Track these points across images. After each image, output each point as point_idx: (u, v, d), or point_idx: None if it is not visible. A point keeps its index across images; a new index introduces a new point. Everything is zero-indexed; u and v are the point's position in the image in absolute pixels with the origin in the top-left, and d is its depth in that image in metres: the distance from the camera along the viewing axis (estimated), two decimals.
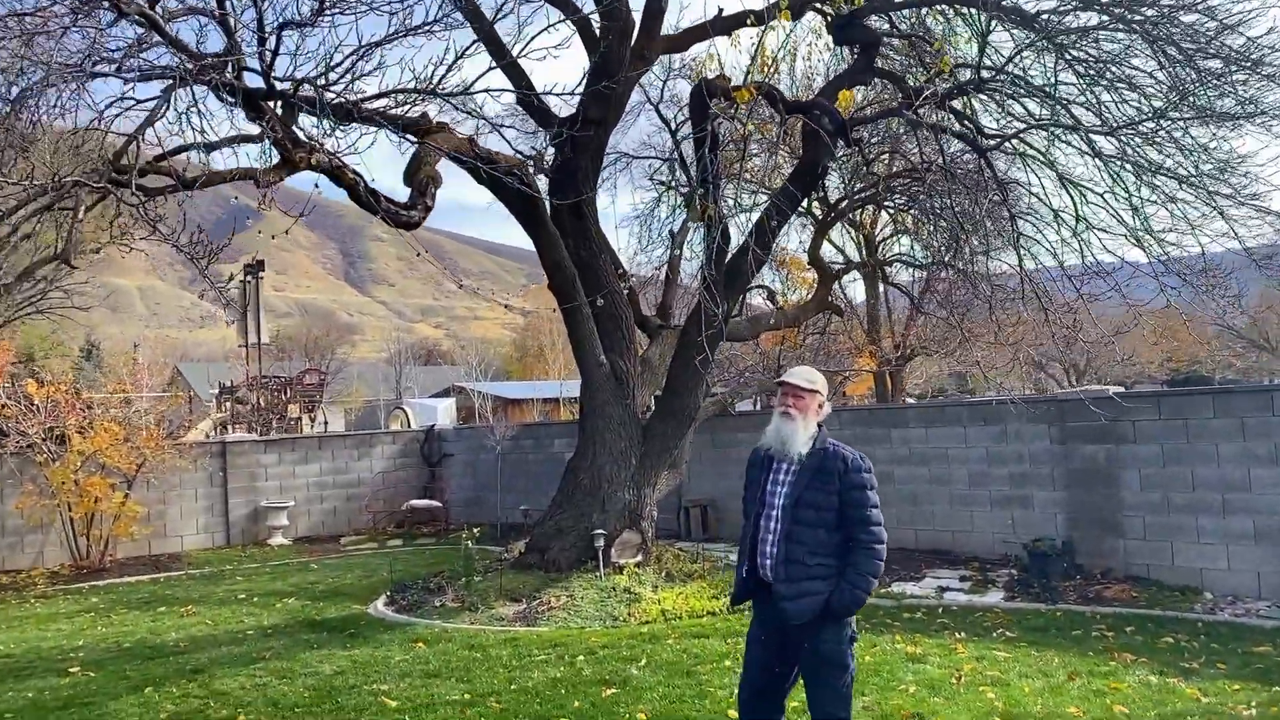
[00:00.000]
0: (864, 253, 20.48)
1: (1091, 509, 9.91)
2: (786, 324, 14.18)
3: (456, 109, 7.54)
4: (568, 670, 7.15)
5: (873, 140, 13.09)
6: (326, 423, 25.04)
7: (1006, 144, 9.45)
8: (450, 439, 17.87)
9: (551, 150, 10.61)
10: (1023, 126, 8.53)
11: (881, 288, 21.17)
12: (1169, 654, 7.09)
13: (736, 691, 4.67)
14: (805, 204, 11.17)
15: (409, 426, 21.73)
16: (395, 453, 17.65)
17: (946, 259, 16.32)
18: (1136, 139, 8.44)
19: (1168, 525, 9.38)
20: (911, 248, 18.90)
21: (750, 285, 11.88)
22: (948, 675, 6.66)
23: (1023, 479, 10.57)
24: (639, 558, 10.55)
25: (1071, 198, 9.49)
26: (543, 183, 10.56)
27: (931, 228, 15.67)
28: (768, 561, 4.36)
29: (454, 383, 45.93)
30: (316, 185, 6.11)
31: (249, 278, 21.04)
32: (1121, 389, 10.05)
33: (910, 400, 21.35)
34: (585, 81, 10.34)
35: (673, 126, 15.96)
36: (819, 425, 4.40)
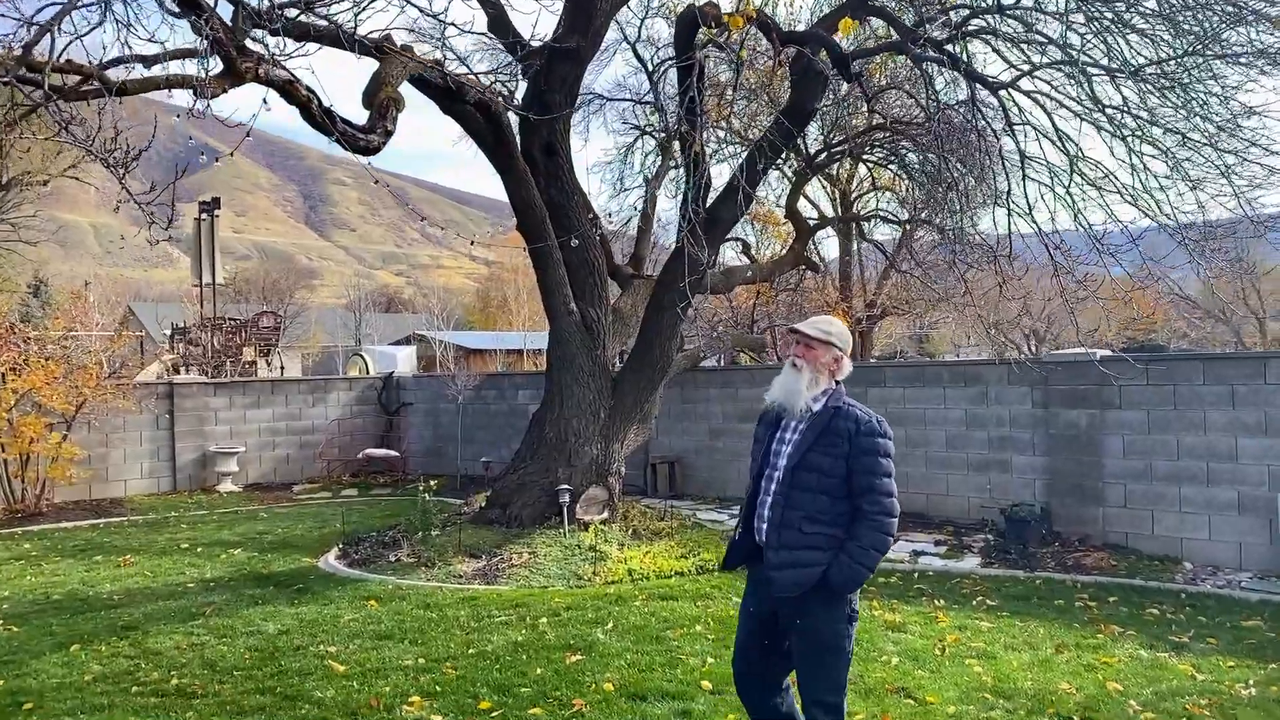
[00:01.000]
0: (838, 208, 20.05)
1: (1072, 475, 9.64)
2: (762, 278, 13.73)
3: (422, 38, 6.96)
4: (530, 634, 6.72)
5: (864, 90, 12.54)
6: (283, 367, 24.24)
7: (1008, 91, 8.96)
8: (410, 387, 17.29)
9: (524, 84, 9.97)
10: (1044, 62, 7.92)
11: (855, 245, 20.81)
12: (1156, 626, 6.83)
13: (732, 663, 4.23)
14: (783, 155, 10.61)
15: (368, 374, 21.09)
16: (352, 400, 17.05)
17: (924, 216, 16.02)
18: (1150, 89, 7.97)
19: (1149, 494, 9.14)
20: (890, 203, 18.56)
21: (729, 235, 11.37)
22: (930, 646, 6.33)
23: (1002, 443, 10.27)
24: (605, 515, 10.14)
25: (1066, 152, 9.08)
26: (515, 131, 9.92)
27: (911, 183, 15.32)
28: (764, 525, 3.93)
29: (415, 331, 45.15)
30: (265, 101, 5.48)
31: (204, 215, 20.13)
32: (1109, 353, 9.71)
33: (874, 360, 21.14)
34: (565, 8, 9.75)
35: (649, 67, 15.37)
36: (837, 383, 3.94)
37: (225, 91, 5.43)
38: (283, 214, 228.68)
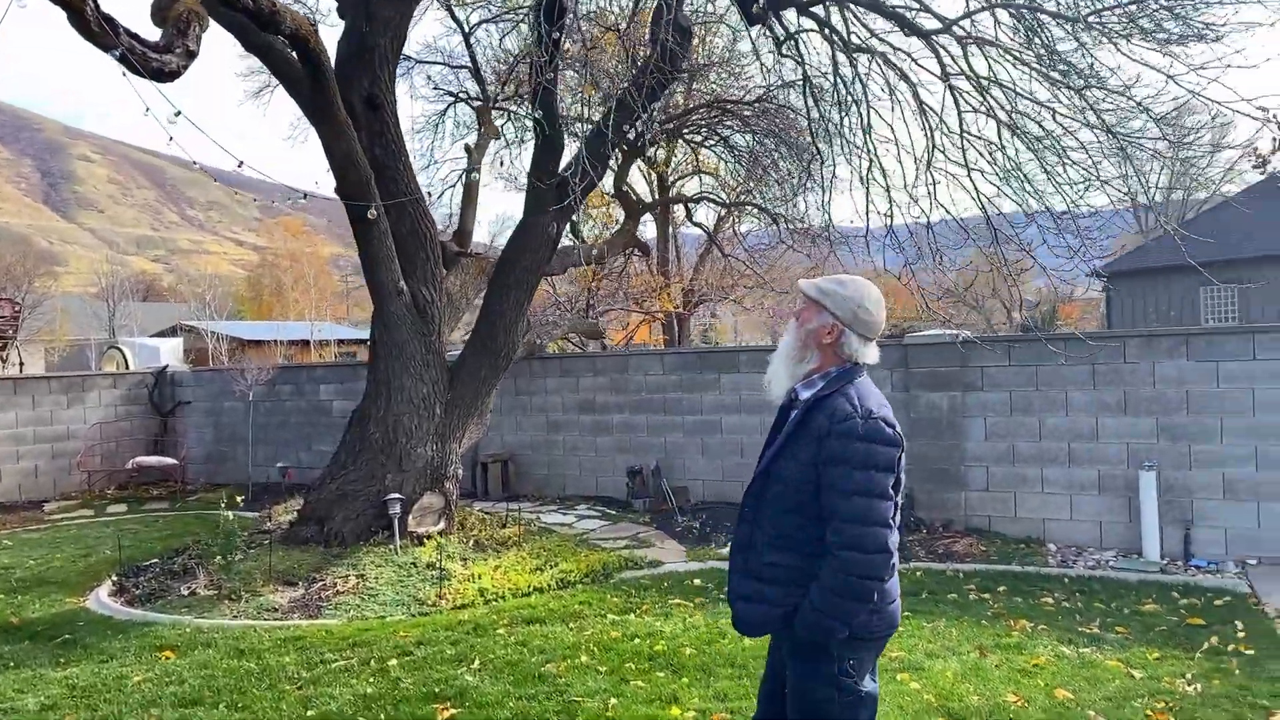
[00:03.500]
0: (654, 191, 19.44)
1: (934, 460, 9.34)
2: (596, 260, 12.79)
3: None
4: (381, 682, 5.47)
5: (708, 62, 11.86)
6: (22, 364, 20.94)
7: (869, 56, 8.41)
8: (188, 384, 15.09)
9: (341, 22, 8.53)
10: (979, 7, 7.27)
11: (670, 230, 20.33)
12: (1060, 618, 6.48)
13: None
14: (642, 117, 9.70)
15: (127, 369, 18.40)
16: (116, 399, 14.67)
17: (746, 198, 15.65)
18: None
19: (1012, 476, 8.97)
20: (710, 187, 18.11)
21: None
22: None
23: None
24: (442, 525, 8.89)
25: (928, 127, 8.69)
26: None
27: (735, 165, 14.87)
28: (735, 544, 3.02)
29: (181, 321, 41.03)
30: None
31: None
32: (969, 333, 9.49)
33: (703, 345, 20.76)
34: None
35: (465, 28, 14.06)
36: (854, 363, 2.89)
37: None
38: (17, 192, 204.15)
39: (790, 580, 2.80)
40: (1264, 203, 20.57)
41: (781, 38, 7.98)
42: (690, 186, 18.86)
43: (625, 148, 14.09)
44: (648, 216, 18.73)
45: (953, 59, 7.44)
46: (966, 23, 7.26)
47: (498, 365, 9.27)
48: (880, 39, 7.61)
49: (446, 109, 15.96)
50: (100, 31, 4.52)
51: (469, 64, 14.38)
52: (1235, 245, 20.36)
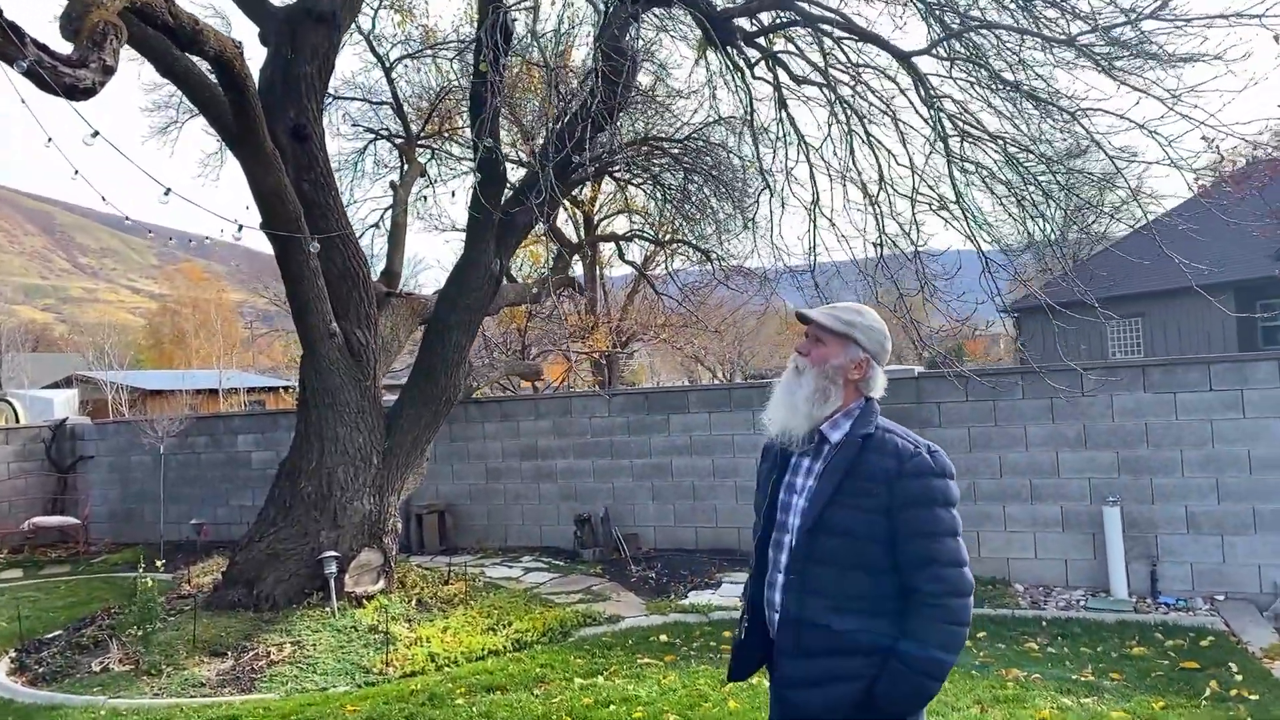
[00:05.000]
0: (580, 231, 19.11)
1: None
2: (531, 299, 12.33)
3: None
4: None
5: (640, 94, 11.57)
6: None
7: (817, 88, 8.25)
8: (90, 437, 14.02)
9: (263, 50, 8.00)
10: (956, 27, 7.06)
11: (599, 270, 19.97)
12: (1050, 665, 6.22)
13: None
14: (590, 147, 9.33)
15: (17, 422, 17.09)
16: (9, 456, 13.52)
17: (680, 237, 15.43)
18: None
19: (975, 514, 8.75)
20: (638, 225, 17.84)
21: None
22: None
23: None
24: (381, 584, 8.26)
25: (875, 156, 8.56)
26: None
27: (666, 204, 14.64)
28: (776, 616, 2.60)
29: (75, 372, 38.86)
30: None
31: None
32: (921, 369, 9.32)
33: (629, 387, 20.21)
34: None
35: (386, 63, 13.61)
36: (866, 399, 2.62)
37: None
38: None
39: (874, 648, 2.44)
40: (1163, 237, 21.29)
41: (748, 62, 7.75)
42: (617, 225, 18.59)
43: (562, 184, 13.77)
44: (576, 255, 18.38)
45: (917, 88, 7.27)
46: (934, 52, 7.10)
47: (438, 411, 8.72)
48: (827, 69, 7.41)
49: (366, 146, 15.43)
50: (3, 40, 3.96)
51: (390, 100, 13.92)
52: (1140, 279, 21.02)
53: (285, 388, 36.42)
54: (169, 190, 5.18)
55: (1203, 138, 6.65)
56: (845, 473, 2.49)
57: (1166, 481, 8.07)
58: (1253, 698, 5.38)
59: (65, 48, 4.61)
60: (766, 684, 2.79)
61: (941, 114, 6.84)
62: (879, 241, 7.50)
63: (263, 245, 7.92)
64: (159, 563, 9.05)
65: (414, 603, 8.24)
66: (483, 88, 6.84)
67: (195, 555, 11.17)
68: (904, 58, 6.63)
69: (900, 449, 2.49)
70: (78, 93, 4.31)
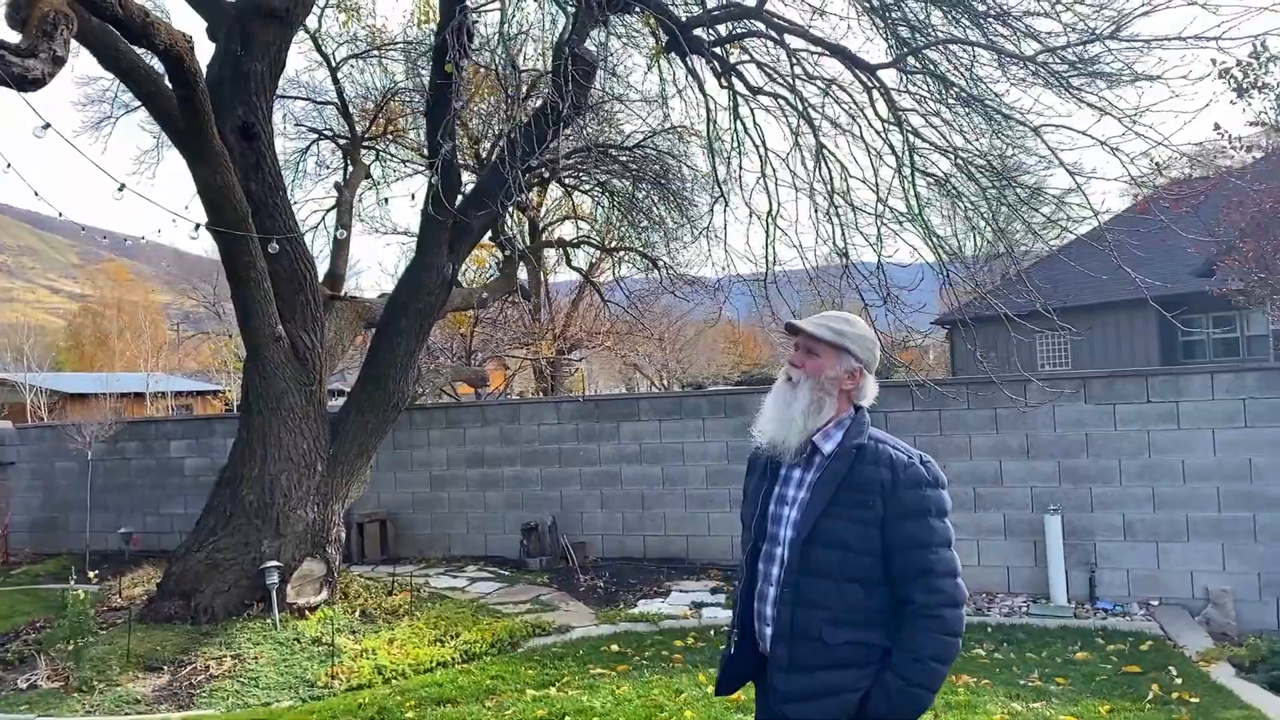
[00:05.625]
0: (525, 238, 19.02)
1: None
2: (478, 304, 12.20)
3: None
4: None
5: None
6: None
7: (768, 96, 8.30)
8: (10, 442, 13.45)
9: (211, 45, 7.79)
10: (927, 41, 7.09)
11: (542, 275, 19.89)
12: (999, 671, 6.33)
13: None
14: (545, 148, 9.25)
15: None
16: None
17: (628, 244, 15.44)
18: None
19: None
20: (583, 232, 17.81)
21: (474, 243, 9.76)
22: None
23: None
24: (324, 594, 8.06)
25: (828, 169, 8.65)
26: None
27: (614, 210, 14.65)
28: (768, 630, 2.56)
29: None
30: None
31: None
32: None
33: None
34: None
35: (332, 62, 13.38)
36: (856, 408, 2.61)
37: None
38: None
39: (869, 660, 2.45)
40: (1094, 253, 21.96)
41: (718, 72, 7.78)
42: (562, 231, 18.53)
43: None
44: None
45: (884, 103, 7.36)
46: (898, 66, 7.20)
47: (386, 417, 8.56)
48: (794, 80, 7.46)
49: (309, 146, 15.14)
50: None
51: (336, 100, 13.68)
52: (1070, 294, 21.63)
53: (214, 392, 35.53)
54: (123, 186, 4.99)
55: (1144, 153, 6.88)
56: (839, 484, 2.49)
57: (1105, 490, 8.29)
58: (1194, 700, 5.53)
59: (13, 37, 4.43)
60: (720, 696, 2.77)
61: (904, 128, 6.94)
62: (844, 252, 7.56)
63: (190, 246, 7.76)
64: (92, 574, 8.72)
65: (358, 614, 8.06)
66: (445, 90, 6.74)
67: (124, 565, 10.77)
68: (869, 69, 6.72)
69: (895, 460, 2.50)
70: (27, 83, 4.15)
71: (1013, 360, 8.58)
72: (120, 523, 12.11)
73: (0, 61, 4.07)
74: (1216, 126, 9.50)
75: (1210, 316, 21.23)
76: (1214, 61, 7.55)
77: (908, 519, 2.44)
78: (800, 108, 7.22)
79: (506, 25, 6.36)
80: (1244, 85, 8.49)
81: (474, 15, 7.27)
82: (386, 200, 14.13)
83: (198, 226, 5.93)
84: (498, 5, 7.49)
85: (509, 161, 6.61)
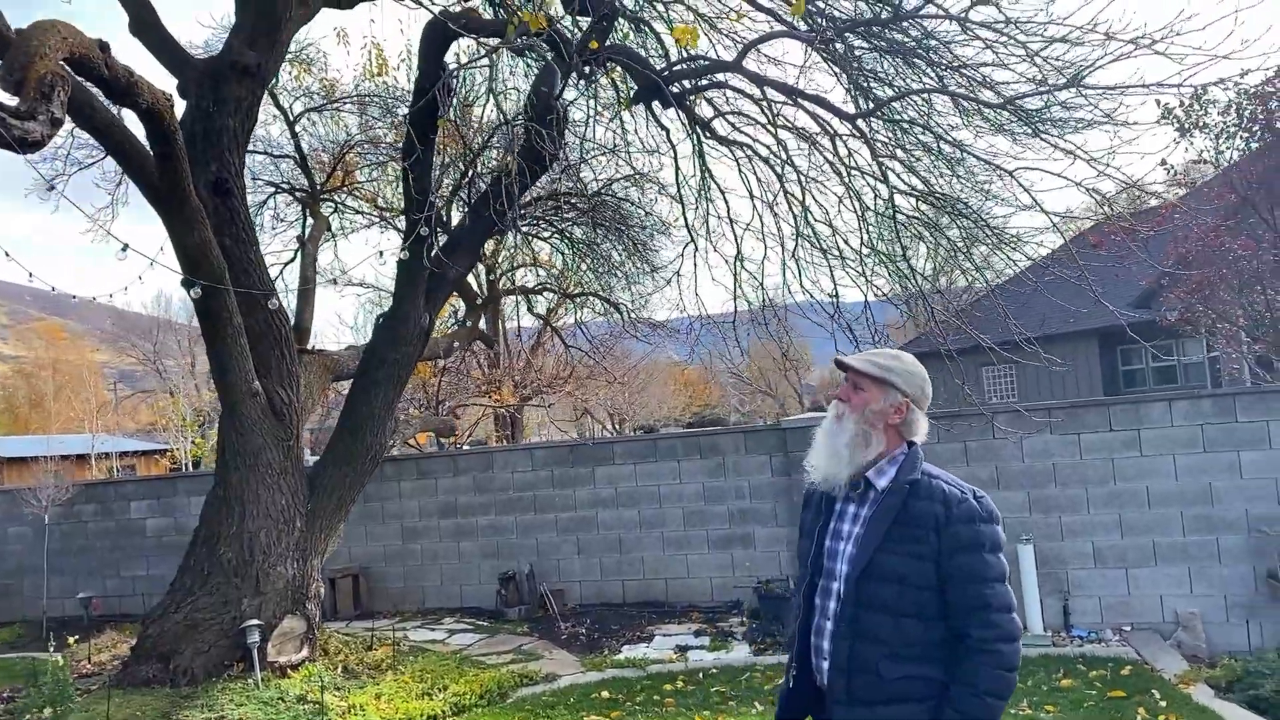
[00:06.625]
0: (482, 285, 19.05)
1: None
2: (444, 353, 12.19)
3: None
4: None
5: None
6: None
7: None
8: None
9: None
10: (899, 92, 7.34)
11: (500, 322, 19.91)
12: None
13: None
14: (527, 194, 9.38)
15: None
16: None
17: (592, 290, 15.56)
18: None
19: None
20: (539, 279, 17.89)
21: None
22: None
23: (744, 516, 9.71)
24: (305, 652, 7.92)
25: (793, 213, 8.89)
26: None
27: (574, 258, 14.78)
28: (825, 664, 2.63)
29: None
30: None
31: None
32: None
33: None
34: (239, 14, 7.87)
35: (290, 116, 13.40)
36: (909, 444, 2.69)
37: None
38: None
39: (928, 695, 2.49)
40: (1037, 287, 22.62)
41: (695, 122, 8.01)
42: (519, 276, 18.59)
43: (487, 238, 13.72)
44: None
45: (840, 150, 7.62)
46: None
47: (363, 469, 8.50)
48: (776, 128, 7.72)
49: (266, 200, 15.04)
50: None
51: (294, 154, 13.68)
52: (1013, 326, 22.22)
53: (160, 451, 34.67)
54: (126, 246, 4.97)
55: (1091, 190, 7.22)
56: (894, 519, 2.55)
57: (1074, 518, 8.52)
58: None
59: (6, 97, 4.43)
60: None
61: (877, 174, 7.19)
62: (834, 293, 7.80)
63: (128, 302, 7.67)
64: (64, 640, 8.46)
65: (340, 670, 7.93)
66: (421, 143, 6.83)
67: (85, 631, 10.44)
68: (848, 118, 6.97)
69: (948, 495, 2.56)
70: (27, 145, 4.15)
71: (964, 392, 8.84)
72: (79, 587, 11.76)
73: (1, 125, 4.07)
74: (1164, 162, 9.98)
75: (1149, 346, 22.03)
76: (1158, 102, 7.96)
77: (961, 553, 2.49)
78: (785, 156, 7.43)
79: (495, 82, 6.47)
80: (1186, 125, 8.96)
81: (454, 75, 7.38)
82: (339, 256, 14.05)
83: (190, 285, 5.89)
84: (485, 62, 7.59)
85: (498, 212, 6.70)
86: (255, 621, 7.53)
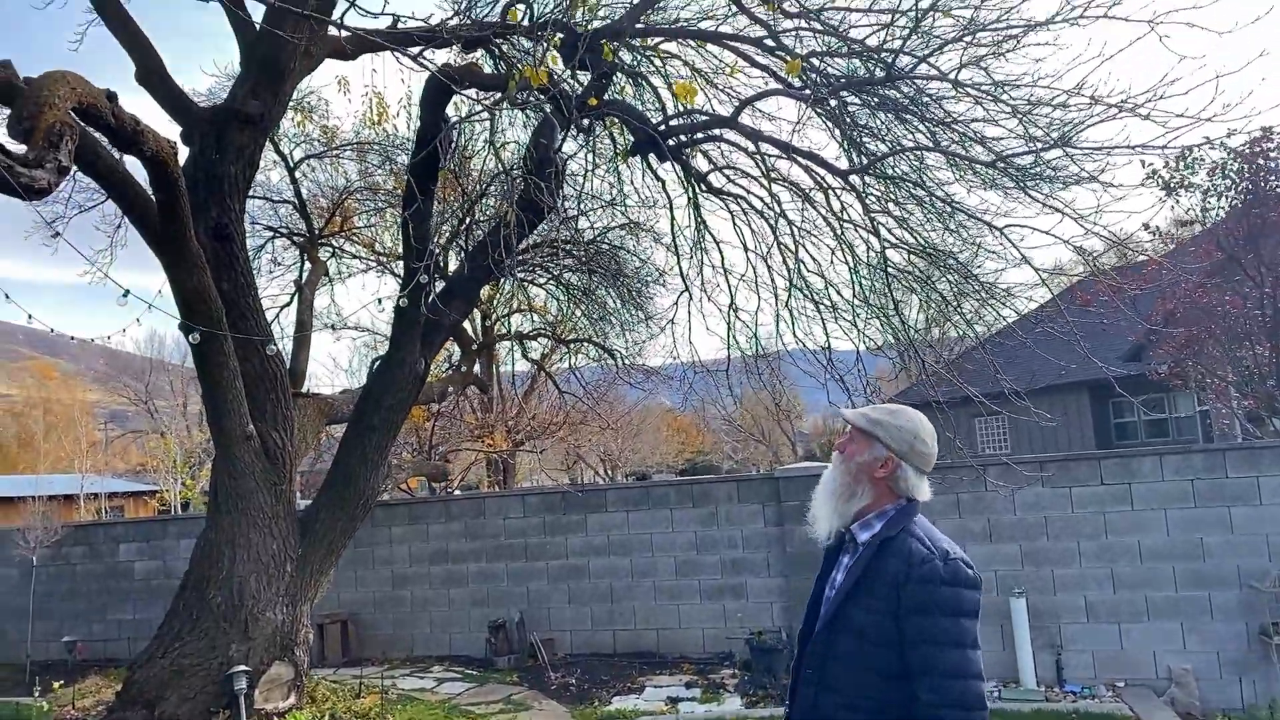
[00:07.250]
0: (477, 330, 19.12)
1: (809, 594, 9.25)
2: (438, 397, 12.21)
3: None
4: None
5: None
6: None
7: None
8: None
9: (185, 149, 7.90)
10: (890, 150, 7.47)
11: (494, 367, 19.94)
12: None
13: None
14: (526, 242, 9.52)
15: None
16: None
17: (587, 337, 15.63)
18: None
19: None
20: (533, 324, 17.97)
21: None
22: None
23: (736, 566, 9.68)
24: (292, 699, 7.85)
25: (786, 265, 9.00)
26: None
27: (570, 303, 14.87)
28: (794, 708, 2.70)
29: None
30: None
31: None
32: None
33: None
34: (243, 64, 8.01)
35: (290, 161, 13.55)
36: (907, 500, 2.68)
37: None
38: None
39: None
40: (1028, 340, 22.79)
41: (695, 175, 8.15)
42: (515, 322, 18.68)
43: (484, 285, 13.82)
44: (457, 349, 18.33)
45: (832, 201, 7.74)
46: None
47: (355, 515, 8.47)
48: (770, 181, 7.85)
49: (264, 244, 15.14)
50: None
51: (294, 199, 13.81)
52: (1003, 380, 22.33)
53: (150, 492, 34.41)
54: (127, 293, 5.03)
55: (1078, 248, 7.33)
56: (862, 573, 2.57)
57: (1066, 572, 8.52)
58: None
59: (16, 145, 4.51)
60: None
61: (869, 228, 7.30)
62: (826, 344, 7.88)
63: (121, 343, 7.71)
64: (48, 685, 8.38)
65: (327, 718, 7.85)
66: (421, 193, 6.94)
67: (69, 675, 10.32)
68: (841, 174, 7.09)
69: (912, 553, 2.51)
70: (34, 192, 4.22)
71: (955, 445, 8.89)
72: (64, 631, 11.65)
73: (10, 172, 4.14)
74: (1146, 226, 10.16)
75: (1140, 400, 22.09)
76: (1144, 163, 8.11)
77: (916, 614, 2.45)
78: (779, 210, 7.55)
79: (494, 134, 6.60)
80: (1171, 185, 9.13)
81: (454, 126, 7.53)
82: (336, 300, 14.15)
83: (189, 330, 5.94)
84: (486, 115, 7.75)
85: (496, 260, 6.80)
86: (243, 668, 7.46)
